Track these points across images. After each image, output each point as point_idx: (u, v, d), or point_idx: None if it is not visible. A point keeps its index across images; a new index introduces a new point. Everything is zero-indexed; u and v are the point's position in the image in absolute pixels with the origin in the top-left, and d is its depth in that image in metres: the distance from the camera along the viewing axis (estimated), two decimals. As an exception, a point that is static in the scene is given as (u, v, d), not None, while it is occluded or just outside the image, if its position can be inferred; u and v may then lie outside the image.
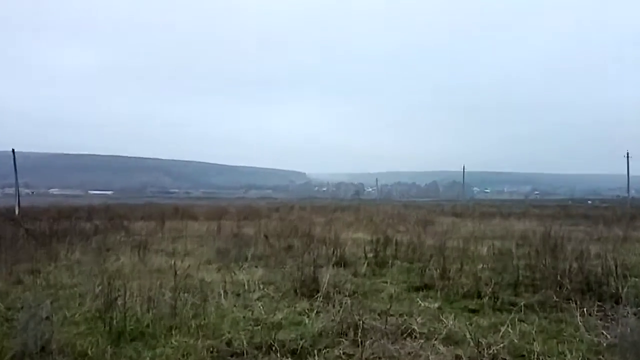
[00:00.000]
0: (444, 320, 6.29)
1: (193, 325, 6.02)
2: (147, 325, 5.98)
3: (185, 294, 7.34)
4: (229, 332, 5.80)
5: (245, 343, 5.43)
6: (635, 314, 6.31)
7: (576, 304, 6.89)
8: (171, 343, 5.52)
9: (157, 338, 5.70)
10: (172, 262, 8.93)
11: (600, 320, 6.40)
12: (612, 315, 6.57)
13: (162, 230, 18.71)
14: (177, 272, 7.55)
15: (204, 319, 6.29)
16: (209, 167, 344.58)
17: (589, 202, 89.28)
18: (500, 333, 5.73)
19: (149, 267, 10.24)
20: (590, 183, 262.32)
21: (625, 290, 7.42)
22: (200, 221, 25.31)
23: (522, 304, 7.13)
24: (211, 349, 5.32)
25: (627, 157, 66.76)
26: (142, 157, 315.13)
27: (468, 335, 5.61)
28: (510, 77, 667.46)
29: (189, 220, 24.73)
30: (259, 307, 6.98)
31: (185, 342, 5.49)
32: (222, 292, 7.59)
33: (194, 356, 5.15)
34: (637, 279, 9.08)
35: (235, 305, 7.08)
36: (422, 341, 5.54)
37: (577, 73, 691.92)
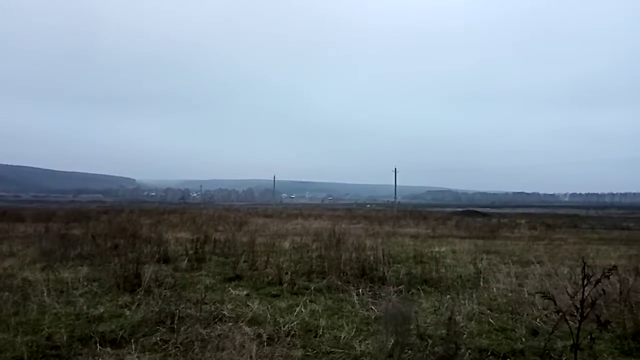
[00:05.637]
0: (250, 305, 7.35)
1: (13, 322, 6.26)
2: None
3: (7, 293, 7.60)
4: (49, 327, 6.12)
5: (65, 336, 5.77)
6: (395, 292, 8.31)
7: (354, 286, 8.72)
8: (-13, 340, 6.03)
9: (-29, 336, 6.24)
10: (-6, 262, 9.48)
11: (371, 298, 7.99)
12: (380, 293, 8.27)
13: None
14: (-1, 272, 8.43)
15: (25, 316, 6.60)
16: (39, 172, 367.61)
17: (368, 205, 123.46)
18: (295, 313, 6.94)
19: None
20: (371, 191, 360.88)
21: (389, 273, 9.71)
22: (28, 223, 25.16)
23: (313, 287, 8.65)
24: (30, 343, 5.52)
25: (395, 171, 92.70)
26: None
27: (269, 316, 6.72)
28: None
29: (16, 222, 24.73)
30: (81, 302, 7.38)
31: (4, 338, 5.69)
32: (44, 290, 7.95)
33: (11, 352, 5.32)
34: (399, 265, 11.70)
35: (57, 302, 7.41)
36: (230, 324, 6.35)
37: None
